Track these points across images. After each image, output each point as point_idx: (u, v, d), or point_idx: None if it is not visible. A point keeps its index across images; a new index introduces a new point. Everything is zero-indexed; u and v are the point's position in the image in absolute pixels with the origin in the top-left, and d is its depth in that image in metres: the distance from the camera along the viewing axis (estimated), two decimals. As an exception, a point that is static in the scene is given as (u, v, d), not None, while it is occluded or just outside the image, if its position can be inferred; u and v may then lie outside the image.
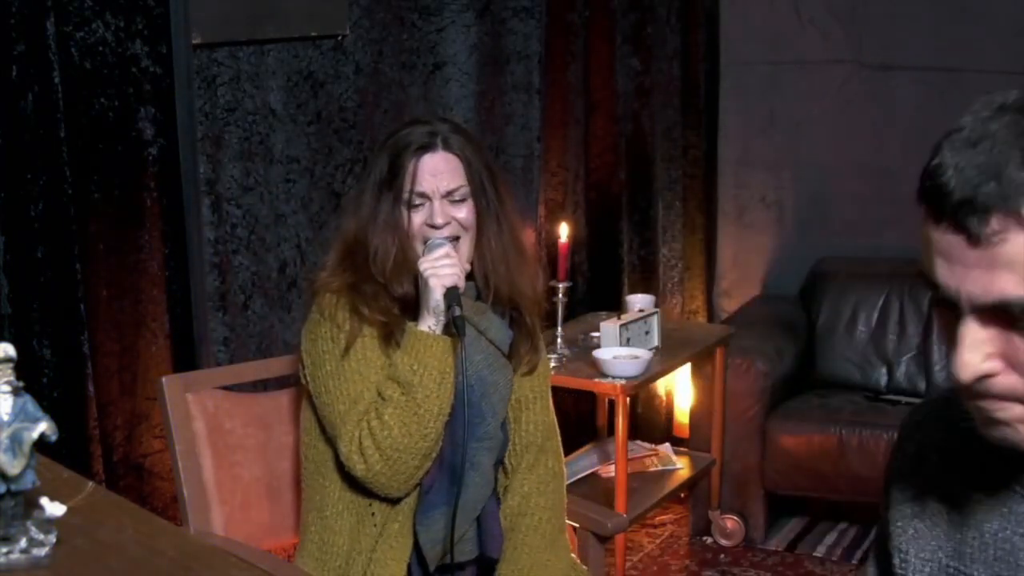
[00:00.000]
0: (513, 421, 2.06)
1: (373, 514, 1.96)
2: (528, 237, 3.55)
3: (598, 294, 3.84)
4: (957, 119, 0.94)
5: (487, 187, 1.99)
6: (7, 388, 1.12)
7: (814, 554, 3.48)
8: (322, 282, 1.98)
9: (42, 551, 1.14)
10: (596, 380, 2.98)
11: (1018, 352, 0.92)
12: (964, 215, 0.88)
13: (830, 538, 3.58)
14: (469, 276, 1.98)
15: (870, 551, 1.23)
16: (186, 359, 2.51)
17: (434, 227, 1.94)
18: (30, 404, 1.13)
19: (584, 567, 2.19)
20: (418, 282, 1.92)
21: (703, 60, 4.10)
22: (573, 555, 2.17)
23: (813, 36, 3.99)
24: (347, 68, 2.93)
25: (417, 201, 1.94)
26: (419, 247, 1.95)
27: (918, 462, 1.13)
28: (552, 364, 3.06)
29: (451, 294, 1.87)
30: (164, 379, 2.14)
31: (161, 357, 2.48)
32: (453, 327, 1.85)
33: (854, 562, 3.41)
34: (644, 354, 3.03)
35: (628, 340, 3.10)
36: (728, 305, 4.19)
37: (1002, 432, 0.95)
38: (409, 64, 3.13)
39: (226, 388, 2.22)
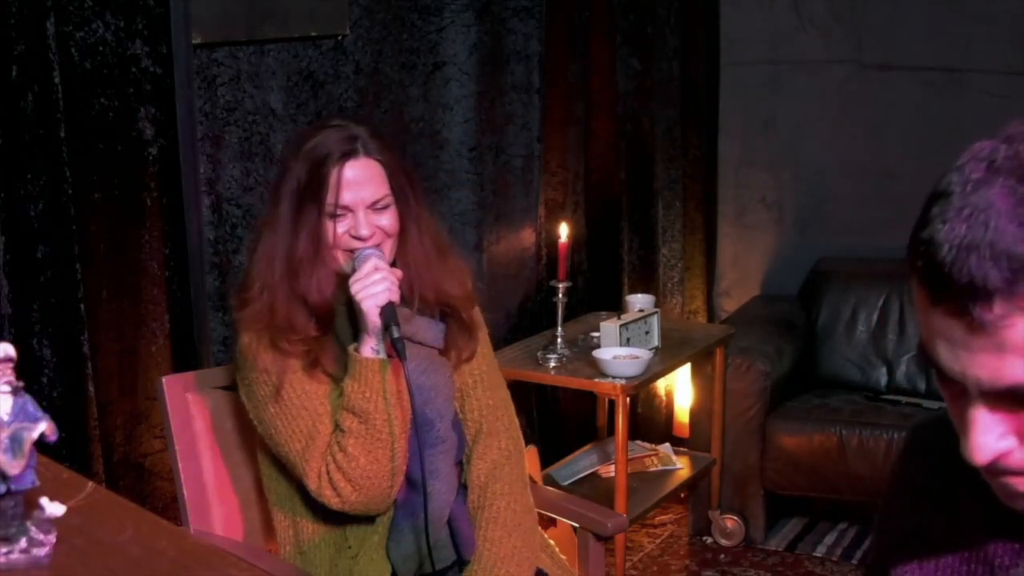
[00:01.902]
0: (458, 411, 2.05)
1: (346, 537, 1.96)
2: (528, 238, 3.57)
3: (598, 294, 3.84)
4: (943, 176, 0.85)
5: (407, 191, 1.95)
6: (7, 388, 1.12)
7: (814, 554, 3.48)
8: (243, 323, 1.93)
9: (42, 551, 1.14)
10: (596, 380, 2.98)
11: None
12: (966, 301, 0.81)
13: (830, 538, 3.58)
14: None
15: (865, 570, 1.19)
16: (186, 359, 2.51)
17: (359, 238, 1.90)
18: (30, 404, 1.13)
19: (556, 547, 2.18)
20: (343, 294, 1.89)
21: (703, 60, 4.10)
22: (551, 541, 2.17)
23: (813, 36, 3.99)
24: (347, 68, 2.93)
25: (339, 212, 1.89)
26: (340, 256, 1.91)
27: (925, 487, 1.08)
28: (552, 364, 3.07)
29: (387, 312, 1.83)
30: (164, 379, 2.14)
31: (161, 357, 2.48)
32: (394, 350, 1.82)
33: (854, 562, 3.41)
34: (644, 354, 3.03)
35: (628, 340, 3.11)
36: (728, 305, 4.19)
37: None
38: (409, 64, 3.13)
39: (226, 388, 2.22)
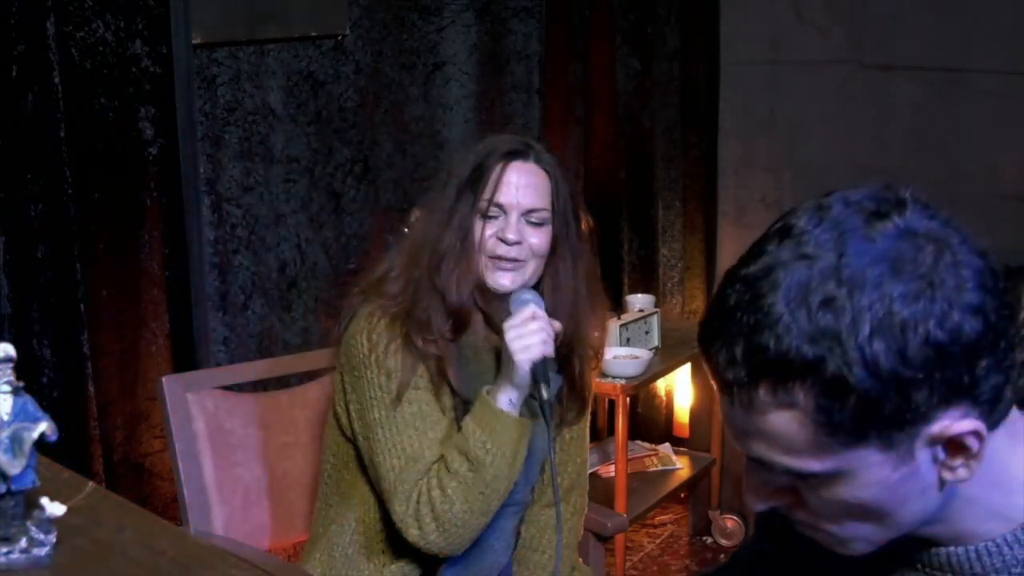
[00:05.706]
0: (545, 461, 1.95)
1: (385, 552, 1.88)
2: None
3: (598, 294, 3.84)
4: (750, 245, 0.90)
5: (569, 216, 1.82)
6: (7, 388, 1.12)
7: (814, 554, 3.48)
8: (376, 314, 1.80)
9: (42, 551, 1.14)
10: (596, 380, 2.97)
11: (798, 492, 0.92)
12: (723, 384, 0.88)
13: (830, 538, 3.58)
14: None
15: None
16: (186, 359, 2.51)
17: (504, 242, 1.77)
18: (30, 404, 1.13)
19: (580, 560, 2.16)
20: (478, 299, 1.79)
21: (703, 60, 4.10)
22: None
23: (813, 36, 3.99)
24: (347, 68, 2.93)
25: (493, 212, 1.78)
26: (483, 260, 1.78)
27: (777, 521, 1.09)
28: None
29: (539, 368, 1.70)
30: (164, 379, 2.14)
31: (161, 357, 2.48)
32: (539, 412, 1.71)
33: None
34: (644, 354, 3.03)
35: (628, 340, 3.10)
36: (728, 305, 4.18)
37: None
38: (409, 64, 3.13)
39: (226, 388, 2.22)
